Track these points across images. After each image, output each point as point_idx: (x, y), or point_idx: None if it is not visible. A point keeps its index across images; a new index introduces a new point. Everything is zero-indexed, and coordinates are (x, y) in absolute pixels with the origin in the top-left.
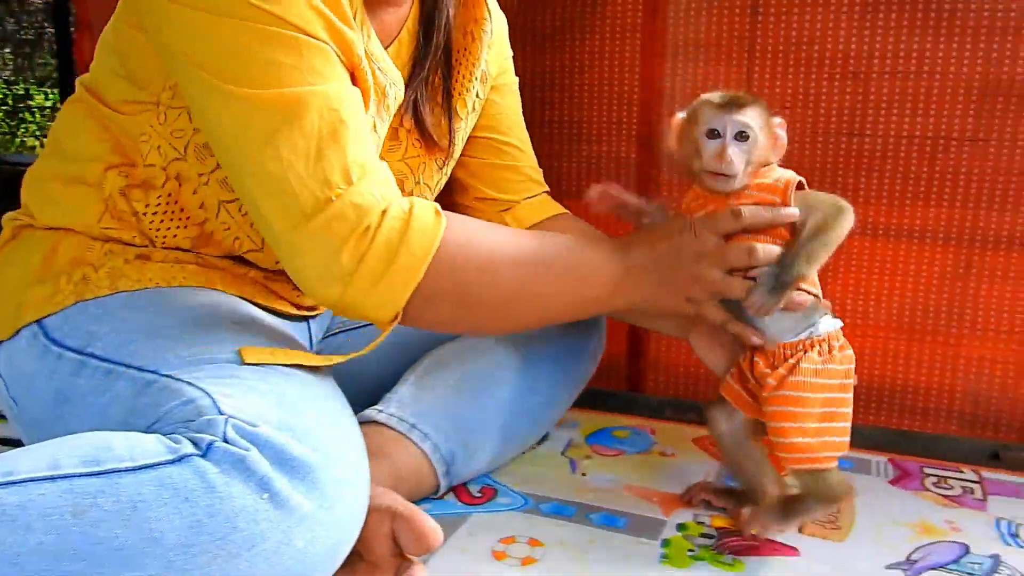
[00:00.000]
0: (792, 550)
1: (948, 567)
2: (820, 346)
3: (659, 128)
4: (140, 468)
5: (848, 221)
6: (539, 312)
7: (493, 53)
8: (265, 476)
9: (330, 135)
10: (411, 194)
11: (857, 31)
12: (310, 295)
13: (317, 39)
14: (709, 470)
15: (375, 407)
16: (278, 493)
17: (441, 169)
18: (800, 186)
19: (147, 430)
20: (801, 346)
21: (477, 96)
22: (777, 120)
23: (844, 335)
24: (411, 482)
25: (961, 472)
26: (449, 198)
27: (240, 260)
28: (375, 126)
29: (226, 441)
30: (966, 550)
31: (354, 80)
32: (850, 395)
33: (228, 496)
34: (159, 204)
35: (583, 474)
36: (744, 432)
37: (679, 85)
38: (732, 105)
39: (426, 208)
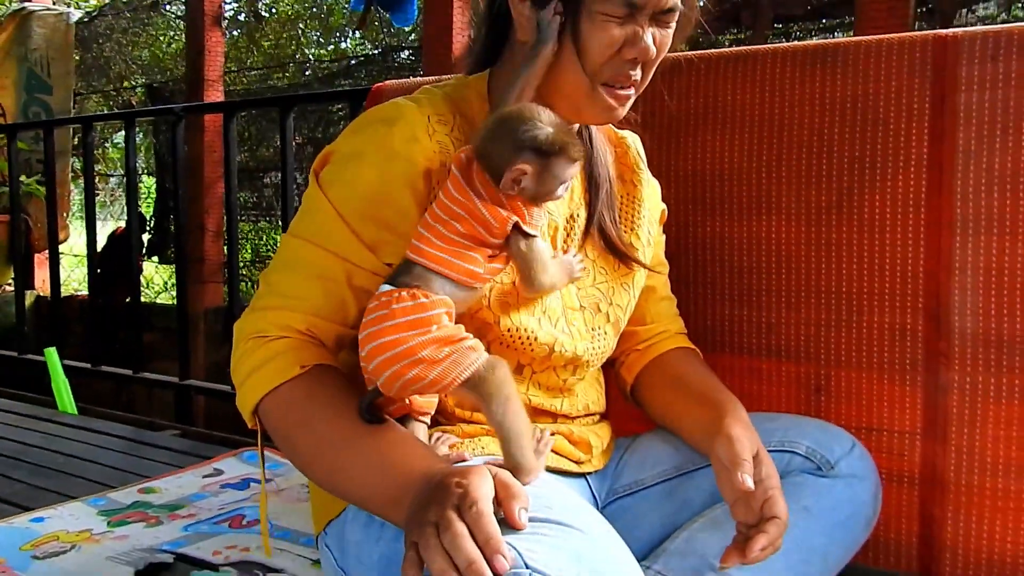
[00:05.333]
0: None
1: None
2: None
3: (947, 301)
4: None
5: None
6: (333, 489)
7: (651, 203)
8: None
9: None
10: (606, 315)
11: None
12: None
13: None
14: None
15: (644, 561)
16: None
17: (628, 291)
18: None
19: None
20: None
21: (649, 232)
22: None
23: None
24: None
25: None
26: None
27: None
28: None
29: None
30: None
31: None
32: None
33: None
34: None
35: None
36: None
37: (970, 259)
38: None
39: (298, 356)
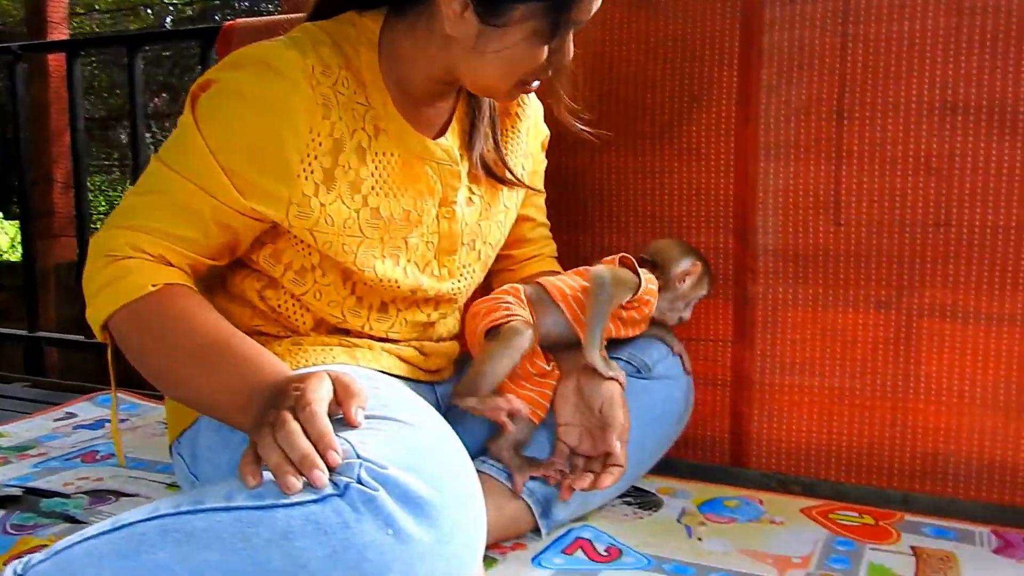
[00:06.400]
0: None
1: None
2: None
3: (753, 221)
4: (292, 504)
5: None
6: (185, 399)
7: (532, 131)
8: (391, 514)
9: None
10: (478, 253)
11: (938, 133)
12: None
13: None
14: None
15: (480, 458)
16: (401, 529)
17: (500, 229)
18: None
19: None
20: None
21: (523, 168)
22: None
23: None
24: (510, 527)
25: None
26: None
27: (381, 339)
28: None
29: (359, 482)
30: None
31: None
32: None
33: (359, 531)
34: (285, 300)
35: (699, 539)
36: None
37: (772, 183)
38: None
39: (151, 274)
